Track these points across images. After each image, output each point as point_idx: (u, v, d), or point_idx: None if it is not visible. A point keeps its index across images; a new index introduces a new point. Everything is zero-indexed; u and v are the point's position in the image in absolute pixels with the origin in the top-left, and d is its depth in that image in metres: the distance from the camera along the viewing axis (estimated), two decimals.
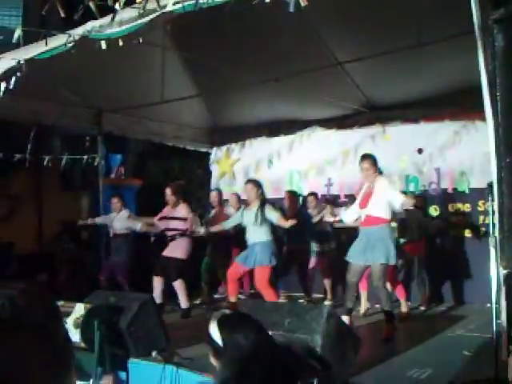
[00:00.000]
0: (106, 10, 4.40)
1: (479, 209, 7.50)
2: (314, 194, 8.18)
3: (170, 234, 7.26)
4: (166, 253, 7.18)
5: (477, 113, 6.74)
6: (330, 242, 7.72)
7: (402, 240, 6.90)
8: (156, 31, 5.75)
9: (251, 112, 8.87)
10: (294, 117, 9.01)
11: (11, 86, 5.10)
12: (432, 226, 7.43)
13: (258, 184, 6.58)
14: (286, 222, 6.30)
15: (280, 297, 7.38)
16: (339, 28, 6.52)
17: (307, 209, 7.97)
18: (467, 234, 7.66)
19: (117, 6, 4.25)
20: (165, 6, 4.04)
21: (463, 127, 7.58)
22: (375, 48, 6.30)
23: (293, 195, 7.97)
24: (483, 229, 7.35)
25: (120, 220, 7.87)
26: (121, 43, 4.45)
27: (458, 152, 7.63)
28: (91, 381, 1.44)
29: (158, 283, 7.01)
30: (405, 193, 7.75)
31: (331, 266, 7.65)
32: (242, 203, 7.65)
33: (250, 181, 6.84)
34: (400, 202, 5.53)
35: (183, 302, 7.06)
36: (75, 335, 4.36)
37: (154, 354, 4.43)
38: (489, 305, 3.59)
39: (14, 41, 4.56)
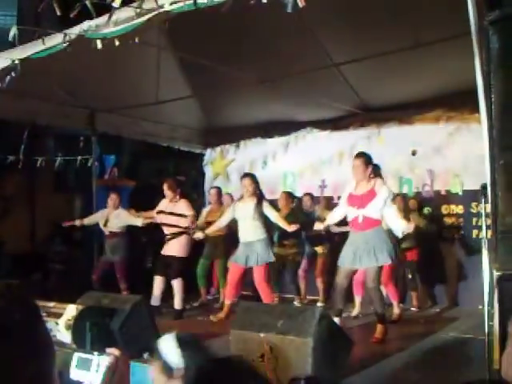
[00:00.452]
0: (102, 9, 4.39)
1: (472, 211, 7.53)
2: (309, 194, 8.19)
3: (169, 230, 7.16)
4: (166, 251, 7.12)
5: (471, 114, 6.80)
6: (323, 243, 7.71)
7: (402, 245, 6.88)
8: (152, 31, 5.74)
9: (246, 113, 8.86)
10: (288, 118, 9.01)
11: (6, 86, 5.07)
12: (427, 232, 7.39)
13: (255, 179, 6.57)
14: (288, 226, 6.32)
15: (274, 299, 7.40)
16: (335, 29, 6.52)
17: (302, 209, 7.97)
18: (459, 235, 7.68)
19: (114, 4, 4.23)
20: (162, 6, 4.03)
21: (457, 129, 7.60)
22: (370, 49, 6.32)
23: (288, 196, 7.97)
24: (476, 231, 7.38)
25: (118, 217, 7.84)
26: (117, 43, 4.44)
27: (452, 154, 7.65)
28: (95, 353, 1.44)
29: (159, 283, 6.96)
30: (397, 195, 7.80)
31: (325, 268, 7.64)
32: None
33: (247, 175, 6.79)
34: (401, 228, 5.49)
35: (177, 303, 7.01)
36: (67, 337, 4.34)
37: (145, 355, 4.40)
38: (481, 307, 3.59)
39: (9, 39, 4.55)
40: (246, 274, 6.63)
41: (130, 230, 8.02)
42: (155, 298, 6.94)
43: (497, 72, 2.91)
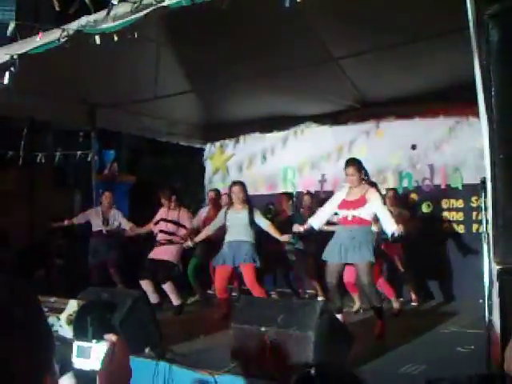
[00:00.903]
0: (100, 3, 4.39)
1: (472, 205, 7.52)
2: (309, 193, 8.14)
3: (164, 237, 7.16)
4: (155, 255, 7.07)
5: (470, 108, 6.78)
6: (313, 242, 7.60)
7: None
8: (150, 26, 5.73)
9: (245, 108, 8.85)
10: (287, 113, 9.00)
11: (5, 82, 5.06)
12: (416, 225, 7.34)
13: (244, 187, 6.58)
14: (280, 235, 6.34)
15: (272, 294, 7.40)
16: (334, 24, 6.51)
17: (301, 208, 7.95)
18: (459, 229, 7.69)
19: (113, 1, 4.23)
20: (161, 1, 4.03)
21: (457, 123, 7.59)
22: (370, 44, 6.31)
23: (288, 197, 7.95)
24: (476, 225, 7.38)
25: (115, 218, 7.84)
26: (115, 38, 4.43)
27: (452, 148, 7.64)
28: (94, 341, 1.47)
29: (146, 286, 6.85)
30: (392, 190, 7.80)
31: (316, 266, 7.53)
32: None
33: (236, 183, 6.71)
34: (392, 229, 5.36)
35: (175, 300, 6.98)
36: (68, 332, 4.35)
37: (147, 350, 4.42)
38: (481, 301, 3.60)
39: (8, 34, 4.54)
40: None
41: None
42: (151, 297, 6.89)
43: (497, 65, 2.91)
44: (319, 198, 8.11)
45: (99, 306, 4.51)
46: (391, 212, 5.88)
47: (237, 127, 9.55)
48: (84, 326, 4.27)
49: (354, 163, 5.61)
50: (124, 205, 9.54)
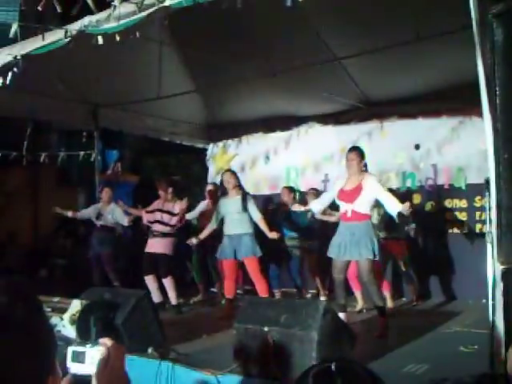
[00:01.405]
0: (103, 4, 4.39)
1: (476, 205, 7.51)
2: (314, 189, 8.15)
3: (159, 228, 7.14)
4: (151, 249, 7.07)
5: (474, 108, 6.76)
6: (315, 239, 7.61)
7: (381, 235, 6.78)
8: (153, 26, 5.73)
9: (248, 108, 8.85)
10: (291, 112, 8.99)
11: (8, 82, 5.07)
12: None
13: (234, 173, 6.82)
14: (269, 232, 6.40)
15: (276, 293, 7.41)
16: (337, 23, 6.50)
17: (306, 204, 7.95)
18: (463, 230, 7.67)
19: (115, 2, 4.24)
20: (162, 1, 4.03)
21: (460, 123, 7.58)
22: (373, 43, 6.29)
23: (290, 191, 7.95)
24: (479, 225, 7.36)
25: (112, 213, 7.85)
26: (118, 38, 4.43)
27: (455, 148, 7.63)
28: (88, 345, 1.46)
29: (151, 283, 6.90)
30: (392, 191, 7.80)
31: (319, 263, 7.54)
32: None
33: (226, 170, 7.02)
34: (398, 209, 5.38)
35: (173, 299, 6.97)
36: (71, 332, 4.36)
37: (150, 350, 4.42)
38: (484, 300, 3.59)
39: (10, 36, 4.54)
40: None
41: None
42: (153, 295, 6.90)
43: (501, 65, 2.89)
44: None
45: (102, 305, 4.51)
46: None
47: (240, 127, 9.55)
48: (87, 326, 4.28)
49: (356, 149, 5.73)
50: (127, 204, 9.55)
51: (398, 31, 5.90)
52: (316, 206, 6.08)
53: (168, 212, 7.13)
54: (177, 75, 8.04)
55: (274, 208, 8.22)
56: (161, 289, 7.00)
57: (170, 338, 4.88)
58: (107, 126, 8.73)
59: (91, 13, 4.47)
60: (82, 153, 8.81)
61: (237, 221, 6.45)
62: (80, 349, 1.51)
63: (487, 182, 3.17)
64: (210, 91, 8.58)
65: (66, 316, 4.39)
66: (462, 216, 7.72)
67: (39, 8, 4.17)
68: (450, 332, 5.71)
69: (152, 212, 7.24)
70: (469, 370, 3.92)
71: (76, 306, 4.43)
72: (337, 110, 8.58)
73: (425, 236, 7.41)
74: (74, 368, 1.49)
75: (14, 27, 4.51)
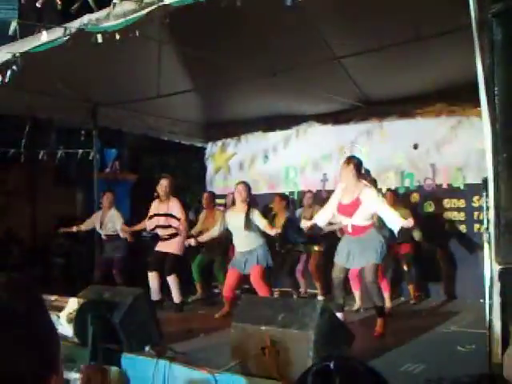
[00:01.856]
0: (103, 2, 4.38)
1: (474, 205, 7.52)
2: (310, 191, 8.18)
3: (163, 232, 7.18)
4: (161, 248, 7.17)
5: (473, 108, 6.77)
6: (316, 243, 7.61)
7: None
8: (152, 25, 5.71)
9: (247, 107, 8.84)
10: (290, 112, 8.99)
11: (7, 80, 5.06)
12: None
13: (248, 186, 6.66)
14: (271, 230, 6.38)
15: (274, 292, 7.40)
16: (336, 22, 6.49)
17: (302, 206, 7.97)
18: (461, 229, 7.68)
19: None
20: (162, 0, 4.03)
21: (459, 123, 7.58)
22: (372, 43, 6.28)
23: (281, 198, 7.95)
24: (478, 225, 7.37)
25: (111, 220, 7.82)
26: (117, 36, 4.43)
27: (454, 147, 7.63)
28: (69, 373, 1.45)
29: (153, 278, 7.00)
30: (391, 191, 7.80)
31: (319, 266, 7.54)
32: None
33: (242, 182, 6.79)
34: (399, 224, 5.35)
35: (176, 297, 7.06)
36: (68, 330, 4.35)
37: (147, 348, 4.42)
38: (482, 300, 3.59)
39: (10, 33, 4.54)
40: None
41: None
42: (154, 293, 6.94)
43: (500, 64, 2.89)
44: (321, 197, 8.13)
45: (99, 304, 4.51)
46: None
47: (239, 126, 9.55)
48: (84, 325, 4.28)
49: (352, 160, 5.61)
50: (126, 203, 9.56)
51: (398, 31, 5.90)
52: (320, 220, 5.93)
53: (164, 214, 7.15)
54: (176, 74, 8.02)
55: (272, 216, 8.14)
56: (161, 288, 7.01)
57: (168, 337, 4.88)
58: (106, 125, 8.71)
59: (91, 11, 4.47)
60: (80, 151, 8.79)
61: (244, 238, 6.42)
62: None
63: (485, 181, 3.17)
64: (209, 90, 8.56)
65: (64, 314, 4.38)
66: (461, 216, 7.73)
67: (38, 5, 4.15)
68: (447, 332, 5.72)
69: (151, 218, 7.26)
70: (466, 369, 3.93)
71: (73, 304, 4.43)
72: (336, 109, 8.58)
73: (423, 236, 7.40)
74: None
75: (14, 25, 4.50)
